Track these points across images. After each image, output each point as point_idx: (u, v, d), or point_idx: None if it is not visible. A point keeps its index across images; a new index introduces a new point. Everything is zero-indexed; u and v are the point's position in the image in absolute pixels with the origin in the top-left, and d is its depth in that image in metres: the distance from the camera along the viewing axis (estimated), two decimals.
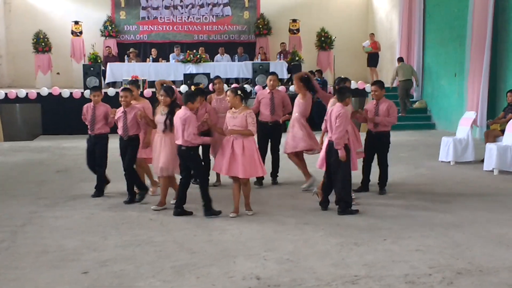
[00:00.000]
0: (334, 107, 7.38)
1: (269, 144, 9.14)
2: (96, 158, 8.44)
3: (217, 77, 9.48)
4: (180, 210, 7.34)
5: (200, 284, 5.12)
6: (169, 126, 7.52)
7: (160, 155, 7.62)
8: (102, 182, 8.53)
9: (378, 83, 8.50)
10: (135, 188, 8.10)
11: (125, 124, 7.92)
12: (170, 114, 7.49)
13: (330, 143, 7.33)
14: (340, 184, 7.29)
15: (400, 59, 17.36)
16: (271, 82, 9.04)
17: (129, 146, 7.98)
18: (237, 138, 7.16)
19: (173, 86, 8.23)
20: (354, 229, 6.78)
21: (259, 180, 8.92)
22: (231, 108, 7.31)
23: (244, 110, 7.20)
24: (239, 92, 7.26)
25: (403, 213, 7.50)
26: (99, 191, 8.46)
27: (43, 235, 6.65)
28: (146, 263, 5.66)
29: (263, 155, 8.35)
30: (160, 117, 7.65)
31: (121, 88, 7.96)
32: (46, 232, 6.76)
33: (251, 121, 7.15)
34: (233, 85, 16.30)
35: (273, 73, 9.33)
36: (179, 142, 7.22)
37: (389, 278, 5.20)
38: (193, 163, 7.32)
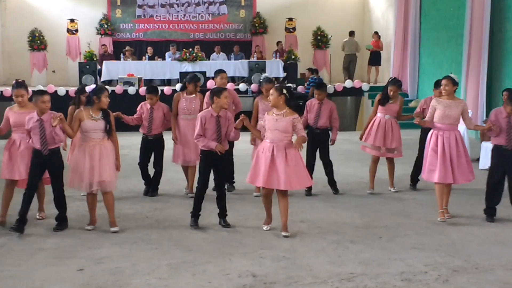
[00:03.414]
0: None
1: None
2: None
3: (194, 76, 8.57)
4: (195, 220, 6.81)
5: (196, 281, 5.12)
6: (109, 131, 6.55)
7: (97, 167, 6.45)
8: None
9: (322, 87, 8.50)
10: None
11: (43, 135, 6.43)
12: (108, 116, 6.54)
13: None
14: None
15: (350, 33, 19.23)
16: (223, 80, 8.21)
17: (52, 163, 6.60)
18: (278, 144, 6.27)
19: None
20: (350, 227, 6.79)
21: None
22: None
23: (290, 114, 6.28)
24: (284, 91, 6.34)
25: (399, 211, 7.52)
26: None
27: (39, 232, 6.63)
28: (142, 260, 5.66)
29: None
30: (91, 123, 6.46)
31: (34, 91, 6.63)
32: (42, 229, 6.74)
33: (301, 127, 6.32)
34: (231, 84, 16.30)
35: (222, 71, 8.42)
36: (229, 146, 6.72)
37: (385, 275, 5.21)
38: (226, 165, 6.82)
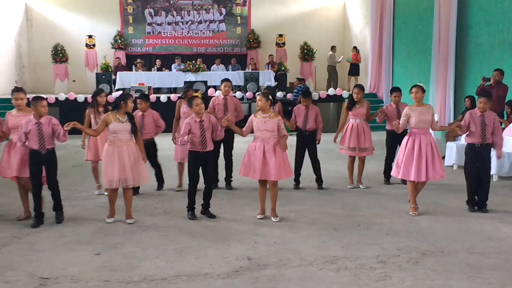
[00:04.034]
0: (491, 114, 6.88)
1: (222, 148, 8.35)
2: None
3: (187, 87, 8.43)
4: (192, 213, 6.72)
5: (199, 264, 5.11)
6: (135, 132, 6.53)
7: (128, 165, 6.38)
8: None
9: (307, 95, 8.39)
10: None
11: (41, 137, 6.29)
12: (133, 119, 6.53)
13: (479, 147, 6.89)
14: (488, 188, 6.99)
15: (331, 48, 19.58)
16: (226, 88, 8.22)
17: (49, 161, 6.42)
18: (268, 142, 6.48)
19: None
20: (333, 216, 6.79)
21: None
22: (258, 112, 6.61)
23: (275, 116, 6.55)
24: (270, 97, 6.61)
25: (375, 202, 7.52)
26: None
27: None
28: (151, 245, 5.64)
29: (215, 160, 7.93)
30: (118, 125, 6.39)
31: (33, 97, 6.39)
32: (64, 218, 6.69)
33: (283, 127, 6.58)
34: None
35: (227, 80, 8.36)
36: (206, 148, 6.55)
37: (364, 258, 5.21)
38: (211, 164, 6.73)
